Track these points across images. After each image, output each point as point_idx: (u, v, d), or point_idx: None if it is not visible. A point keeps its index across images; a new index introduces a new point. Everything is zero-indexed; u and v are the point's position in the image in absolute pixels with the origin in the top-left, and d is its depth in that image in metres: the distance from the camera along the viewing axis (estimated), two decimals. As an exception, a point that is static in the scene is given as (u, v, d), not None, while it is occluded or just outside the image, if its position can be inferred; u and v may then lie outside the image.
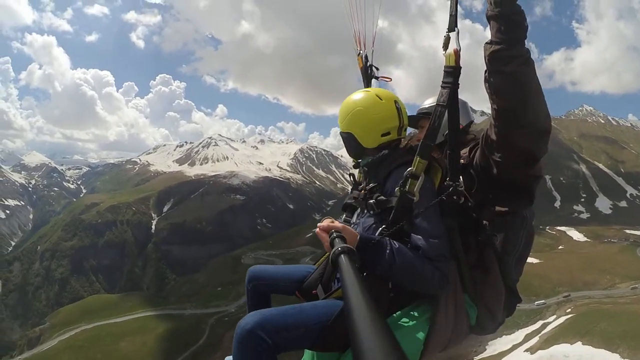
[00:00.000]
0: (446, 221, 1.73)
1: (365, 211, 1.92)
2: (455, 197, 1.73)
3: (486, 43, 1.57)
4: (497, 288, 1.86)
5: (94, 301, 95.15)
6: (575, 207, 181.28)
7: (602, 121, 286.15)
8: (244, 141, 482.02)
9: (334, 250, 1.39)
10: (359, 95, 2.02)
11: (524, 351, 41.65)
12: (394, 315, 1.77)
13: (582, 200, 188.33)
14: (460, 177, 1.81)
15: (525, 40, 1.54)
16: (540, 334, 45.23)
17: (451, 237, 1.73)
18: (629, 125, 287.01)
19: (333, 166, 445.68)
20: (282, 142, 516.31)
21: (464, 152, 1.98)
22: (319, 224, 1.64)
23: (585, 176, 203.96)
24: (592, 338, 37.34)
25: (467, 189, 1.82)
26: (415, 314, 1.77)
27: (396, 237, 1.69)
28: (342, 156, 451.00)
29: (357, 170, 2.19)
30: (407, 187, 1.70)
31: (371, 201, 1.83)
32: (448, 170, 1.78)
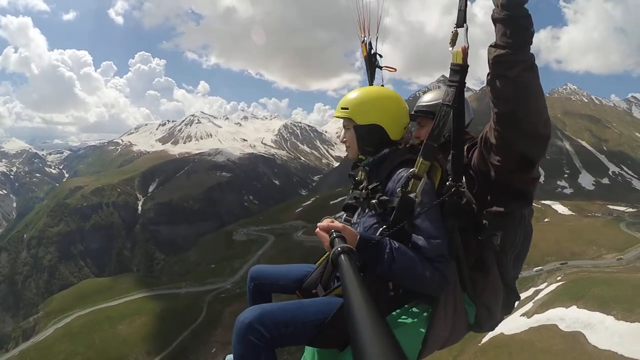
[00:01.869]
0: (447, 222, 1.72)
1: (367, 210, 1.89)
2: (456, 198, 1.72)
3: (490, 46, 1.55)
4: (496, 288, 1.88)
5: (87, 286, 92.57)
6: (559, 182, 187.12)
7: (586, 100, 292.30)
8: (227, 118, 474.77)
9: (334, 250, 1.39)
10: (378, 88, 2.04)
11: (520, 316, 42.80)
12: (394, 313, 1.77)
13: (566, 176, 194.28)
14: (463, 177, 1.80)
15: (531, 46, 1.51)
16: (534, 300, 46.72)
17: (451, 238, 1.73)
18: (612, 105, 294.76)
19: (317, 142, 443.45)
20: (266, 118, 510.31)
21: None
22: (318, 224, 1.63)
23: (569, 153, 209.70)
24: (587, 302, 38.59)
25: (468, 189, 1.81)
26: (415, 312, 1.77)
27: (397, 238, 1.67)
28: (326, 132, 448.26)
29: (359, 169, 2.13)
30: (409, 187, 1.69)
31: (373, 201, 1.81)
32: (449, 171, 1.77)
